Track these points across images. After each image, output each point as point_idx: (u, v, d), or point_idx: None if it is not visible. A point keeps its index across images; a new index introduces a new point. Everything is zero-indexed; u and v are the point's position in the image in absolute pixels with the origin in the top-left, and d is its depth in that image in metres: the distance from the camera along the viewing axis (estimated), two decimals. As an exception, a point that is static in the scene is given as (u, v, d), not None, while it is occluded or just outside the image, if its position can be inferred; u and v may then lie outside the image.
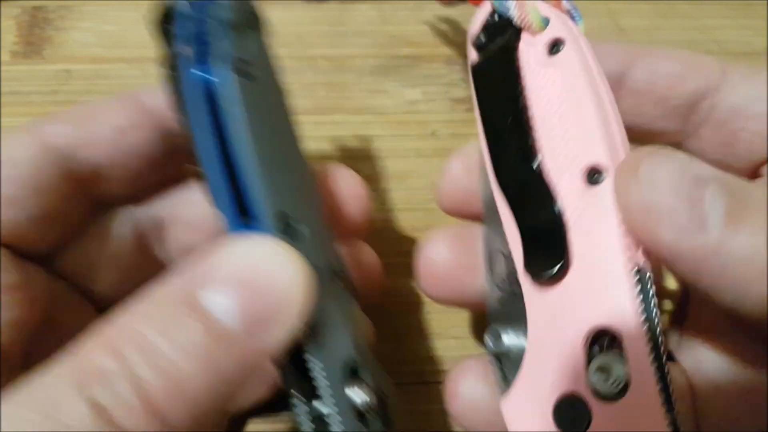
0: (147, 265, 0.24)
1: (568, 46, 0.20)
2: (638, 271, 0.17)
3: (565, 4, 0.22)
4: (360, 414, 0.20)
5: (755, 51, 0.37)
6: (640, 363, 0.16)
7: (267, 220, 0.19)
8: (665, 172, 0.16)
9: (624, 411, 0.16)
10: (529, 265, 0.19)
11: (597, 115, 0.19)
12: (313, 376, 0.19)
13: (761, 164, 0.22)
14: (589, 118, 0.19)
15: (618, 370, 0.16)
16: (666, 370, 0.16)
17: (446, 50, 0.36)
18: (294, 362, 0.19)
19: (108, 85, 0.34)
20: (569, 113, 0.19)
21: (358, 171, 0.25)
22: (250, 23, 0.21)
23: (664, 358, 0.16)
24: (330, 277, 0.21)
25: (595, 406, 0.17)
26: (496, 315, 0.21)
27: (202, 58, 0.19)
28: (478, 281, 0.22)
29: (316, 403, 0.19)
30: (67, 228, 0.22)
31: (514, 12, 0.21)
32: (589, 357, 0.17)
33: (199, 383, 0.15)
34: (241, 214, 0.19)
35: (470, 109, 0.23)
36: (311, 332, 0.19)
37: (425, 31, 0.37)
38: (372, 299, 0.25)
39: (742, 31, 0.38)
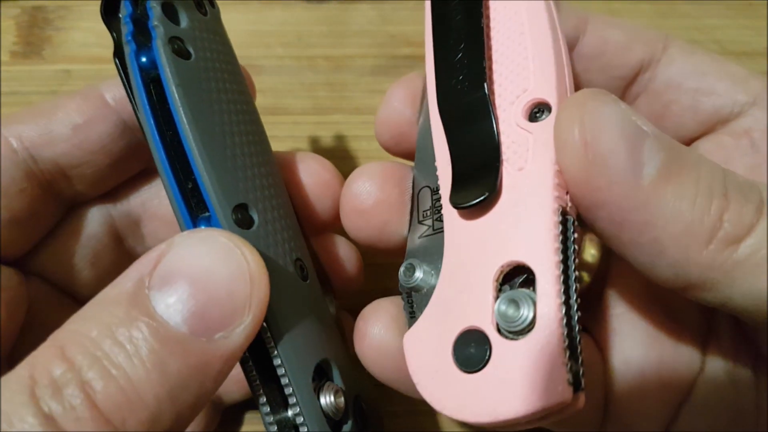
0: (125, 261, 0.24)
1: None
2: (563, 214, 0.16)
3: None
4: (331, 417, 0.19)
5: (755, 51, 0.37)
6: (549, 304, 0.15)
7: (219, 211, 0.18)
8: (610, 114, 0.16)
9: (524, 350, 0.15)
10: (455, 195, 0.18)
11: (553, 53, 0.18)
12: (280, 377, 0.18)
13: (690, 141, 0.22)
14: (545, 54, 0.18)
15: (525, 308, 0.16)
16: (574, 318, 0.16)
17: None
18: (258, 363, 0.18)
19: (108, 85, 0.34)
20: (526, 47, 0.19)
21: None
22: (186, 1, 0.20)
23: (575, 306, 0.16)
24: (298, 271, 0.20)
25: (497, 343, 0.16)
26: (415, 251, 0.20)
27: (137, 41, 0.18)
28: (404, 222, 0.21)
29: (285, 409, 0.18)
30: (38, 228, 0.22)
31: None
32: (499, 294, 0.16)
33: (149, 388, 0.14)
34: (195, 208, 0.18)
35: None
36: (274, 330, 0.18)
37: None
38: (352, 295, 0.24)
39: (742, 31, 0.38)
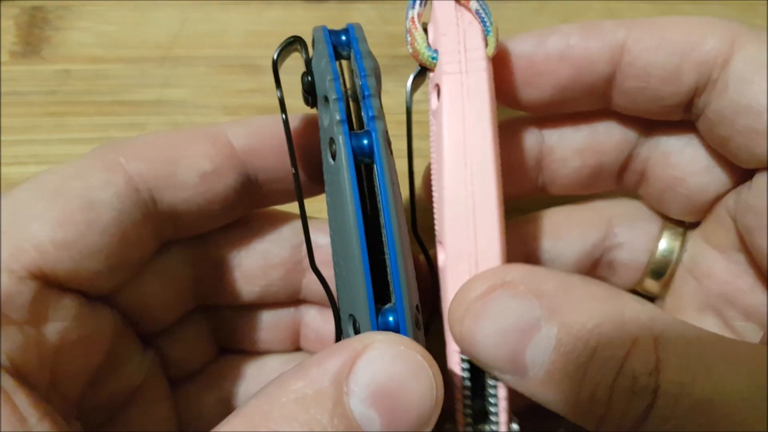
0: (193, 303, 0.24)
1: (443, 99, 0.19)
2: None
3: (473, 4, 0.20)
4: None
5: (755, 51, 0.37)
6: None
7: (406, 309, 0.18)
8: (493, 312, 0.17)
9: None
10: None
11: (444, 199, 0.19)
12: None
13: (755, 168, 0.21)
14: (438, 200, 0.19)
15: None
16: None
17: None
18: None
19: (107, 86, 0.34)
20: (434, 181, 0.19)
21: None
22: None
23: None
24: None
25: None
26: None
27: (351, 123, 0.18)
28: None
29: None
30: (136, 268, 0.21)
31: (408, 39, 0.20)
32: None
33: None
34: (378, 301, 0.18)
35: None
36: None
37: (425, 31, 0.37)
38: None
39: (743, 31, 0.37)
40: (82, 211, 0.19)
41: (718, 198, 0.23)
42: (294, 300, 0.25)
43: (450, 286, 0.19)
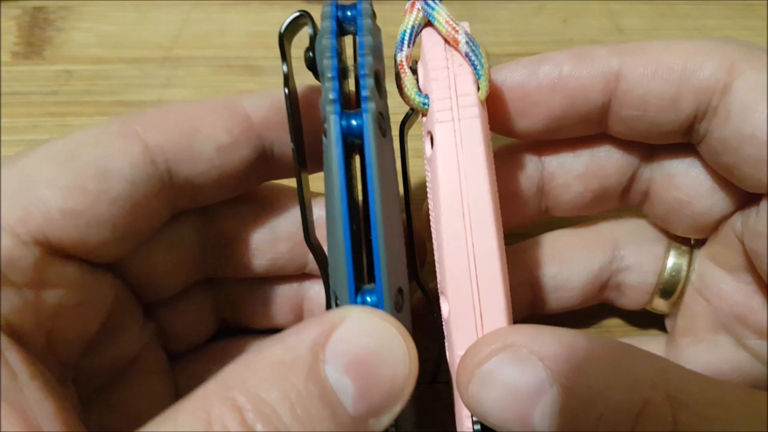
0: (199, 274, 0.24)
1: (436, 149, 0.19)
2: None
3: (463, 46, 0.19)
4: None
5: (755, 51, 0.37)
6: None
7: (386, 291, 0.17)
8: (499, 378, 0.16)
9: None
10: None
11: (443, 251, 0.18)
12: None
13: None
14: (438, 250, 0.19)
15: None
16: None
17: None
18: None
19: (108, 86, 0.34)
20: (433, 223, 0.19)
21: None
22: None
23: None
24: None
25: None
26: None
27: (346, 103, 0.18)
28: None
29: None
30: (145, 238, 0.21)
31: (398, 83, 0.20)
32: None
33: None
34: (358, 280, 0.18)
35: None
36: None
37: (425, 31, 0.37)
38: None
39: (742, 31, 0.37)
40: (94, 179, 0.18)
41: (724, 218, 0.23)
42: (300, 273, 0.25)
43: (455, 341, 0.18)
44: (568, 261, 0.25)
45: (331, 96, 0.17)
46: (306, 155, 0.20)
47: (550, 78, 0.21)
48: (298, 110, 0.20)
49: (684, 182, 0.23)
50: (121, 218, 0.19)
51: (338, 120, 0.17)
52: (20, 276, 0.18)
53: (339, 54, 0.18)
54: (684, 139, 0.22)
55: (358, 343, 0.15)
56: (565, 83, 0.21)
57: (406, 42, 0.20)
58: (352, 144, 0.18)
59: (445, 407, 0.22)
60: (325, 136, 0.18)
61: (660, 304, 0.25)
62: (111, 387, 0.22)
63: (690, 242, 0.25)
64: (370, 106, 0.17)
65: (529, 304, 0.26)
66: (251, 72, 0.35)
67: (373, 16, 0.19)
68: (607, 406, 0.16)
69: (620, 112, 0.21)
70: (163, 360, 0.24)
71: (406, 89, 0.19)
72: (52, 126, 0.33)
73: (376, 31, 0.19)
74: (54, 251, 0.18)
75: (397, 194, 0.20)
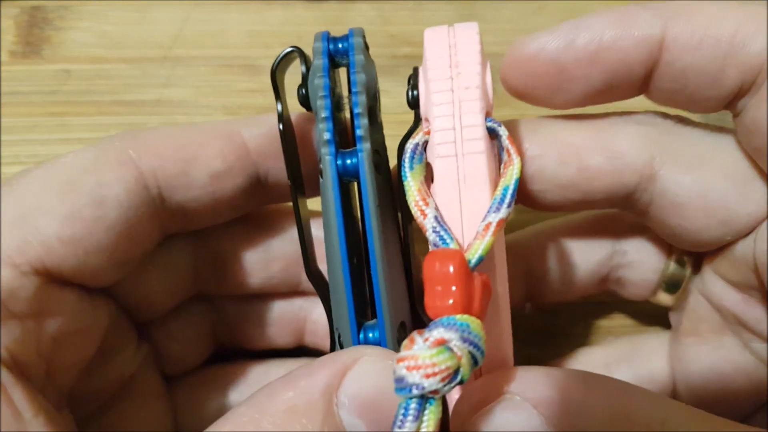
0: (193, 294, 0.24)
1: (436, 185, 0.17)
2: None
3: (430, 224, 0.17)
4: None
5: (755, 51, 0.37)
6: None
7: (388, 327, 0.18)
8: None
9: None
10: None
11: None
12: None
13: None
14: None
15: None
16: None
17: (446, 50, 0.36)
18: None
19: (107, 86, 0.34)
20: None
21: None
22: (377, 104, 0.19)
23: None
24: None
25: None
26: None
27: (341, 137, 0.18)
28: None
29: None
30: (139, 262, 0.21)
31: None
32: None
33: None
34: (360, 316, 0.18)
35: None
36: None
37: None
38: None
39: (742, 31, 0.37)
40: (91, 207, 0.19)
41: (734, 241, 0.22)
42: (295, 292, 0.25)
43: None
44: (567, 254, 0.25)
45: (326, 137, 0.18)
46: (303, 184, 0.21)
47: (589, 50, 0.19)
48: (295, 146, 0.20)
49: (690, 213, 0.21)
50: (117, 243, 0.19)
51: (334, 161, 0.18)
52: (21, 306, 0.18)
53: (332, 89, 0.18)
54: (726, 109, 0.20)
55: (371, 385, 0.15)
56: (606, 55, 0.19)
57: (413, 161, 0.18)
58: (349, 181, 0.18)
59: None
60: (321, 176, 0.18)
61: (664, 298, 0.25)
62: (106, 410, 0.22)
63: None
64: (365, 146, 0.17)
65: (524, 297, 0.26)
66: (251, 72, 0.35)
67: (366, 48, 0.19)
68: None
69: (660, 83, 0.20)
70: (158, 382, 0.24)
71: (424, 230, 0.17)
72: (51, 126, 0.33)
73: (369, 66, 0.19)
74: (52, 279, 0.18)
75: (396, 227, 0.20)
